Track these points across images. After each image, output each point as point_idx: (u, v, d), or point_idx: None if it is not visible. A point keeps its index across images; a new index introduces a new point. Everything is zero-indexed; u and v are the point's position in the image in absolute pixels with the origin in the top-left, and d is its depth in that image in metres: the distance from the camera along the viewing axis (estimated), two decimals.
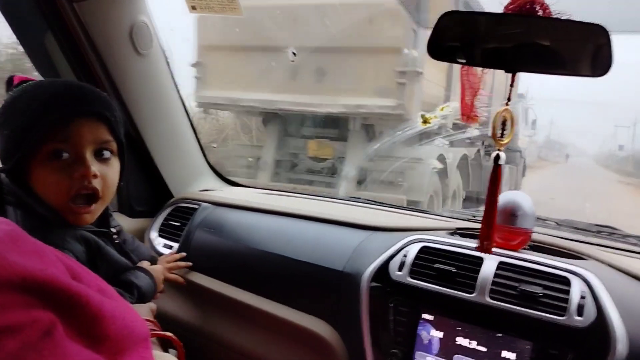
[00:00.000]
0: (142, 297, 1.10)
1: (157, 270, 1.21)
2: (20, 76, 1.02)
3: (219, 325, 1.42)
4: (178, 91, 1.59)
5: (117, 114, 1.02)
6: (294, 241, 1.34)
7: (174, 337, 0.94)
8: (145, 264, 1.19)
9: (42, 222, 0.95)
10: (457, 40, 0.90)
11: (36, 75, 1.41)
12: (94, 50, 1.35)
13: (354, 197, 1.78)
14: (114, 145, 1.01)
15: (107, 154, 1.00)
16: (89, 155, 0.96)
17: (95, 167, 0.96)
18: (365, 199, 1.74)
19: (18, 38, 1.38)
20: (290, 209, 1.46)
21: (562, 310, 0.95)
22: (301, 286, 1.27)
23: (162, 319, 1.42)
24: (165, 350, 0.96)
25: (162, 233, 1.57)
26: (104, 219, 1.08)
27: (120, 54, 1.38)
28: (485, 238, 0.94)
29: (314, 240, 1.33)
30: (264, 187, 1.88)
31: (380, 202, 1.68)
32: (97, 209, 1.00)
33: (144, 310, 1.08)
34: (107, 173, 1.00)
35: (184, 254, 1.43)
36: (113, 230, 1.10)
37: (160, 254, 1.49)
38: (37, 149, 0.93)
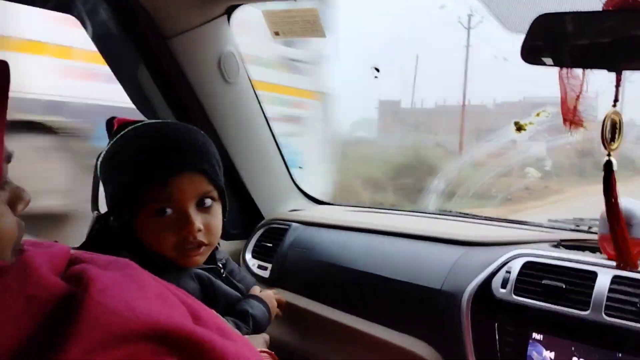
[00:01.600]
0: (257, 326, 1.09)
1: (269, 295, 1.19)
2: (120, 118, 1.06)
3: (317, 345, 1.42)
4: (264, 115, 1.63)
5: (214, 161, 1.03)
6: (387, 259, 1.32)
7: None
8: (256, 290, 1.18)
9: (154, 266, 0.98)
10: (552, 42, 0.86)
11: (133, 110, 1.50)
12: (185, 83, 1.42)
13: (445, 211, 1.73)
14: (215, 193, 1.03)
15: (208, 202, 1.01)
16: (192, 210, 0.98)
17: (198, 221, 0.98)
18: (458, 212, 1.69)
19: (113, 72, 1.48)
20: (382, 226, 1.44)
21: None
22: (397, 306, 1.25)
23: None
24: None
25: (255, 254, 1.61)
26: (211, 254, 1.09)
27: (210, 85, 1.44)
28: (623, 253, 0.86)
29: (408, 257, 1.30)
30: (351, 204, 1.87)
31: (473, 215, 1.62)
32: (205, 252, 1.03)
33: (259, 342, 1.08)
34: (211, 222, 1.01)
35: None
36: (220, 265, 1.12)
37: (255, 275, 1.52)
38: (141, 207, 0.96)
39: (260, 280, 1.50)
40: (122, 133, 1.01)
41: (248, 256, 1.61)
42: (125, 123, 1.04)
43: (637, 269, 0.90)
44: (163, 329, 0.44)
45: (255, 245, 1.63)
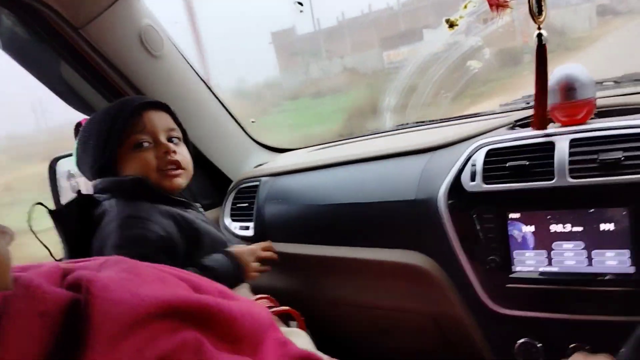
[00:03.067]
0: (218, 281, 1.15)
1: (243, 252, 1.23)
2: (85, 118, 1.23)
3: (320, 285, 1.46)
4: (202, 79, 1.59)
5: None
6: (359, 186, 1.35)
7: (292, 310, 0.98)
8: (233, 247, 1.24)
9: (133, 198, 1.11)
10: None
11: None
12: (112, 67, 1.37)
13: (402, 125, 1.75)
14: (179, 133, 1.22)
15: (175, 140, 1.20)
16: (164, 139, 1.16)
17: (172, 147, 1.16)
18: (414, 123, 1.72)
19: (37, 78, 1.42)
20: (346, 157, 1.46)
21: None
22: (380, 226, 1.28)
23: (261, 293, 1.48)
24: (286, 324, 1.00)
25: (235, 217, 1.62)
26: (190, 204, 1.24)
27: (138, 63, 1.40)
28: (539, 117, 0.91)
29: (378, 178, 1.33)
30: (312, 145, 1.88)
31: (430, 121, 1.65)
32: (184, 176, 1.19)
33: (246, 291, 1.13)
34: (182, 151, 1.20)
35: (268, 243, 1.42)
36: (200, 207, 1.26)
37: (240, 237, 1.54)
38: (122, 143, 1.12)
39: (246, 240, 1.53)
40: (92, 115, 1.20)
41: (227, 220, 1.62)
42: None
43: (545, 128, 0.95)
44: (171, 305, 0.46)
45: (232, 209, 1.64)
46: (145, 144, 1.14)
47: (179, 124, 1.23)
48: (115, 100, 1.21)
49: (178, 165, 1.16)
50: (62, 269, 0.48)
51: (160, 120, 1.17)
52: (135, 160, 1.13)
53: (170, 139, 1.18)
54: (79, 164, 1.21)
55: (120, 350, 0.41)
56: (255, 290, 1.22)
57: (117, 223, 1.05)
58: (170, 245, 1.06)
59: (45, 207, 1.08)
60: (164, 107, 1.21)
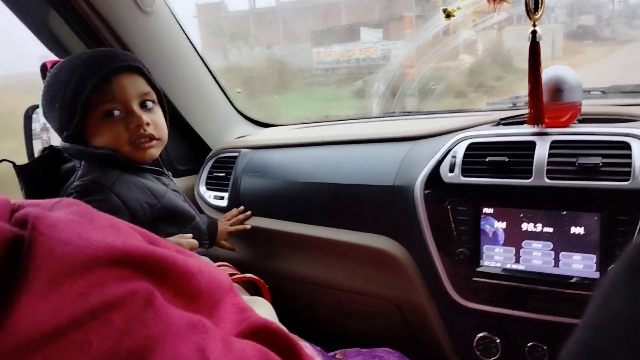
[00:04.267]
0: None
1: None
2: (52, 60, 1.10)
3: (288, 261, 1.45)
4: (192, 44, 1.56)
5: (147, 68, 1.11)
6: (339, 167, 1.34)
7: (257, 278, 0.97)
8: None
9: (100, 163, 1.05)
10: None
11: None
12: (101, 20, 1.33)
13: (388, 112, 1.75)
14: (154, 95, 1.11)
15: (150, 104, 1.10)
16: (136, 108, 1.06)
17: (145, 116, 1.07)
18: (401, 112, 1.71)
19: (24, 23, 1.37)
20: (329, 137, 1.45)
21: (626, 175, 0.93)
22: (356, 208, 1.28)
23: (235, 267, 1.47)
24: (252, 294, 0.99)
25: (210, 186, 1.60)
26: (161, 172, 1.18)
27: (127, 18, 1.36)
28: (536, 113, 0.91)
29: (359, 162, 1.32)
30: (297, 122, 1.87)
31: (417, 112, 1.65)
32: (157, 146, 1.11)
33: (207, 260, 1.11)
34: (156, 119, 1.10)
35: (242, 207, 1.45)
36: (170, 176, 1.20)
37: (214, 206, 1.52)
38: (89, 112, 1.03)
39: (220, 210, 1.51)
40: (58, 63, 1.07)
41: (202, 189, 1.60)
42: (57, 62, 1.08)
43: (543, 124, 0.95)
44: (122, 252, 0.44)
45: (208, 177, 1.62)
46: (116, 113, 1.04)
47: (154, 86, 1.11)
48: (84, 52, 1.09)
49: (152, 137, 1.08)
50: (12, 204, 0.46)
51: (132, 86, 1.06)
52: (106, 131, 1.04)
53: (143, 104, 1.08)
54: (47, 120, 1.12)
55: (61, 292, 0.38)
56: (224, 261, 1.21)
57: (78, 185, 1.02)
58: (127, 219, 1.03)
59: (10, 162, 1.05)
60: (137, 69, 1.08)
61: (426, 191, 1.12)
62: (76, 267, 0.40)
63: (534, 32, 0.89)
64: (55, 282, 0.39)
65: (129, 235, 0.50)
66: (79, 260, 0.40)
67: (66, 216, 0.47)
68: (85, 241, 0.42)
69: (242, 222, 1.43)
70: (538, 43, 0.89)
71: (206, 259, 1.14)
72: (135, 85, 1.07)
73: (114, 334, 0.40)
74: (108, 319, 0.40)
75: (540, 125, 0.94)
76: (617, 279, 0.32)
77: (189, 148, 1.68)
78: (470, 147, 1.11)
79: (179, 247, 0.57)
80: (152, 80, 1.10)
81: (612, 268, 0.33)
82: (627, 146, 0.96)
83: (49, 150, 1.12)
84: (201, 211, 1.53)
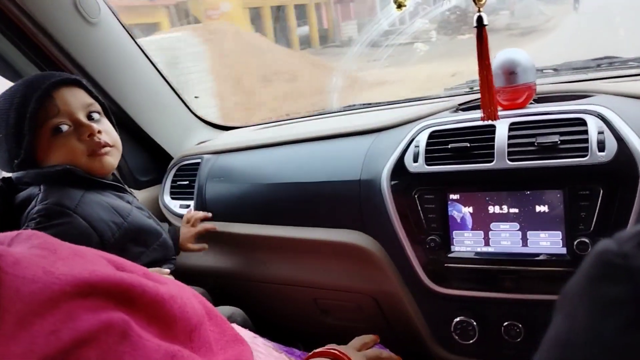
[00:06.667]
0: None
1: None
2: None
3: (261, 265, 1.44)
4: (143, 51, 1.52)
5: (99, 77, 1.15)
6: (304, 165, 1.33)
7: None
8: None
9: (60, 183, 1.03)
10: None
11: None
12: (46, 35, 1.28)
13: (349, 106, 1.75)
14: (98, 107, 1.10)
15: (96, 115, 1.09)
16: (84, 119, 1.05)
17: (95, 125, 1.06)
18: (361, 104, 1.71)
19: None
20: (291, 136, 1.44)
21: (584, 151, 0.95)
22: (324, 205, 1.28)
23: (203, 275, 1.45)
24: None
25: (175, 195, 1.57)
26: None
27: (72, 31, 1.31)
28: (488, 104, 0.92)
29: (324, 158, 1.32)
30: (258, 123, 1.85)
31: (376, 103, 1.65)
32: (114, 154, 1.10)
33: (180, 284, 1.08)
34: (106, 128, 1.10)
35: (203, 213, 1.42)
36: (132, 193, 1.18)
37: (180, 216, 1.49)
38: (37, 132, 1.01)
39: None
40: None
41: (167, 198, 1.57)
42: None
43: (496, 118, 0.97)
44: (89, 283, 0.42)
45: (172, 187, 1.58)
46: (64, 127, 1.02)
47: (96, 97, 1.11)
48: (19, 80, 1.06)
49: (107, 144, 1.07)
50: None
51: (74, 98, 1.05)
52: (59, 147, 1.02)
53: (90, 116, 1.07)
54: None
55: (32, 331, 0.37)
56: (196, 271, 1.19)
57: (41, 210, 0.98)
58: (94, 240, 1.00)
59: None
60: (76, 82, 1.08)
61: (392, 182, 1.12)
62: (45, 305, 0.39)
63: (479, 18, 0.89)
64: (25, 323, 0.37)
65: (95, 263, 0.48)
66: (46, 297, 0.39)
67: (29, 250, 0.45)
68: (51, 276, 0.41)
69: (201, 219, 1.40)
70: (484, 28, 0.90)
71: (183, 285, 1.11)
72: (77, 97, 1.06)
73: None
74: (82, 356, 0.38)
75: (493, 117, 0.95)
76: (580, 290, 0.32)
77: (149, 157, 1.64)
78: (432, 135, 1.12)
79: (147, 271, 0.56)
80: (93, 92, 1.11)
81: (573, 279, 0.33)
82: (583, 122, 0.98)
83: (1, 181, 1.07)
84: (166, 220, 1.50)
